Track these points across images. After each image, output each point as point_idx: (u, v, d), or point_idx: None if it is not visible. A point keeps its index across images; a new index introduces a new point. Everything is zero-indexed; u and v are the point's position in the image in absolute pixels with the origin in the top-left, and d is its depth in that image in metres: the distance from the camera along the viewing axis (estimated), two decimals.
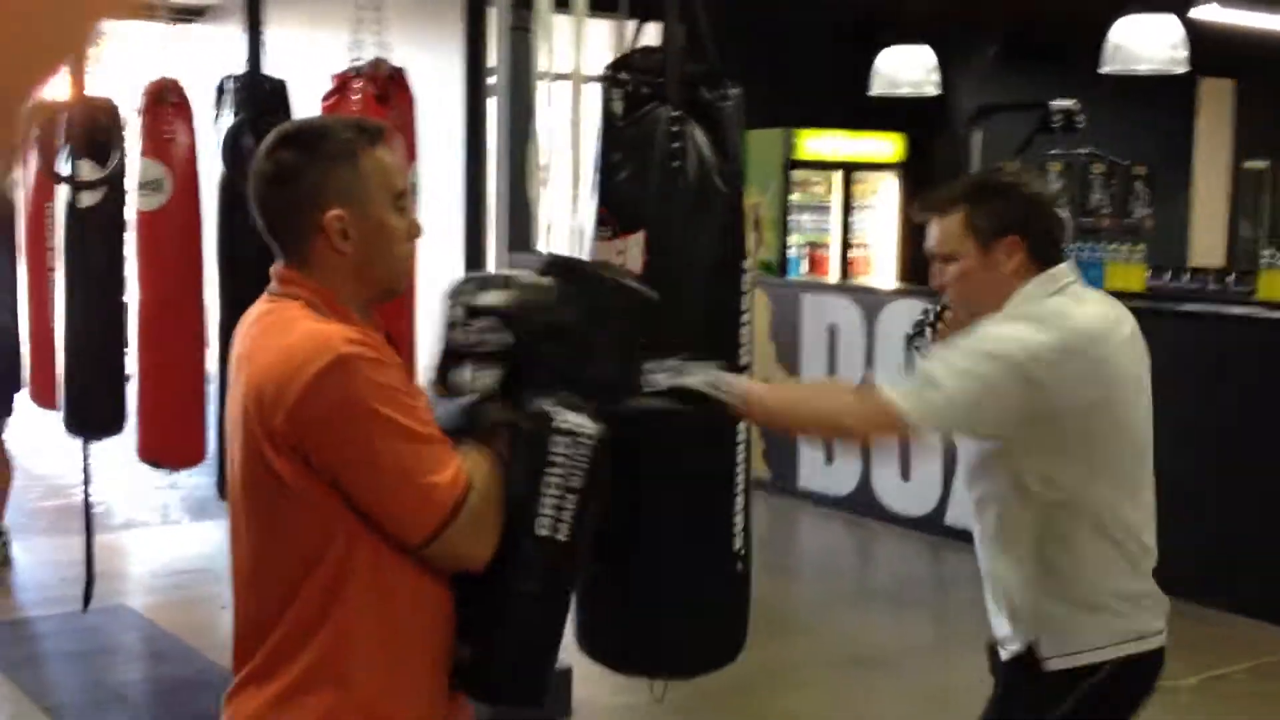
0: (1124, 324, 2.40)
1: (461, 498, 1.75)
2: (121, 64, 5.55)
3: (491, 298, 1.88)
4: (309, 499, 1.74)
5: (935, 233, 2.40)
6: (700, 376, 2.17)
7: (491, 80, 4.34)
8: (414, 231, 1.89)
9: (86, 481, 4.31)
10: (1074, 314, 2.31)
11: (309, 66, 4.43)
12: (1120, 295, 7.57)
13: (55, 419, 6.64)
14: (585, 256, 2.15)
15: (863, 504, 7.01)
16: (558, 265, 1.99)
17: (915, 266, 10.32)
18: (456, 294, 1.92)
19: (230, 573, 1.88)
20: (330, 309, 1.81)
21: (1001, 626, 2.44)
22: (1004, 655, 2.45)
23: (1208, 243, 11.94)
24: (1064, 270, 2.40)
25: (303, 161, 1.82)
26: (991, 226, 2.34)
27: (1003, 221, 2.34)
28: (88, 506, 4.39)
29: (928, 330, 2.59)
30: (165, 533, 6.65)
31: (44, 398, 6.61)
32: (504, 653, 1.86)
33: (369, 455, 1.73)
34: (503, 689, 1.91)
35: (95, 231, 4.98)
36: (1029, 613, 2.38)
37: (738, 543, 2.81)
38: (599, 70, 2.75)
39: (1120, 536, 2.39)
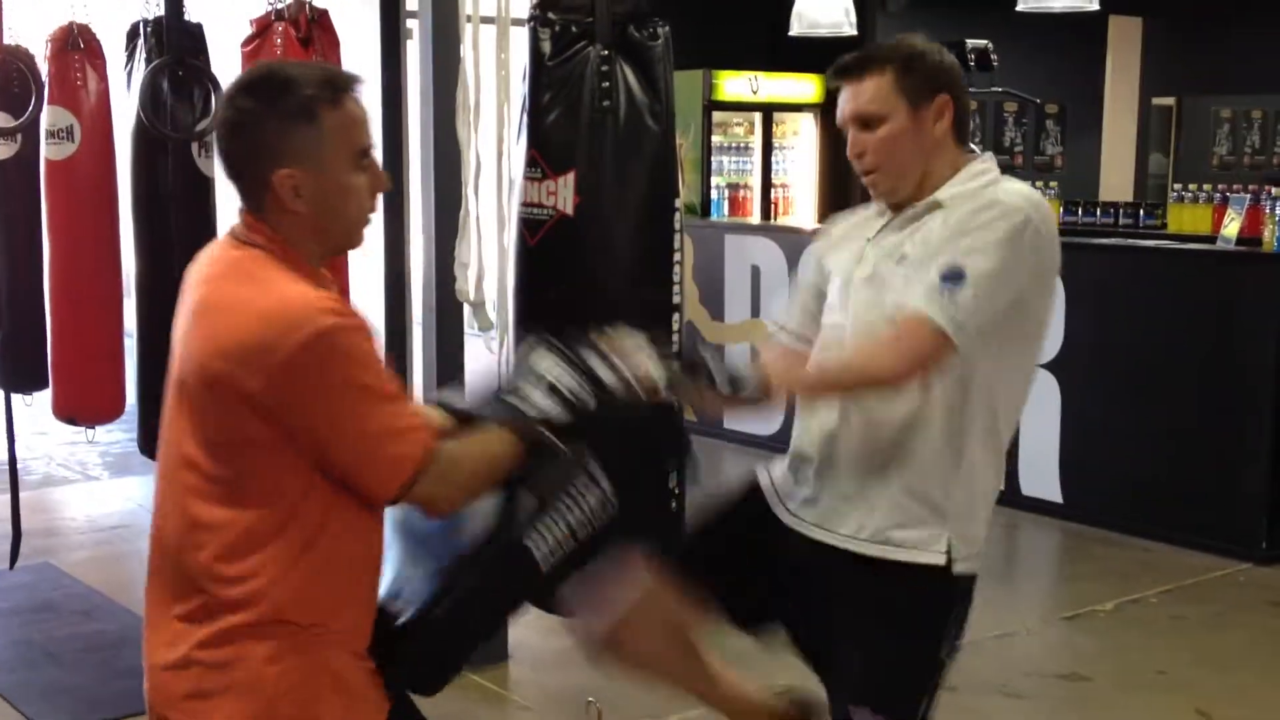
0: None
1: (429, 454, 1.78)
2: (33, 9, 5.39)
3: (608, 375, 1.89)
4: (270, 452, 1.76)
5: (861, 93, 2.22)
6: (723, 373, 2.11)
7: (412, 23, 4.29)
8: (377, 186, 1.87)
9: (11, 437, 4.23)
10: (1038, 200, 2.23)
11: (227, 8, 4.34)
12: None
13: None
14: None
15: (788, 442, 7.09)
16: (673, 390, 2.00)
17: (835, 205, 10.40)
18: (565, 345, 1.92)
19: (155, 509, 1.87)
20: (295, 265, 1.81)
21: (904, 530, 2.23)
22: (900, 557, 2.22)
23: (1117, 178, 12.16)
24: (990, 157, 2.31)
25: (259, 113, 1.79)
26: (924, 85, 2.22)
27: (935, 81, 2.24)
28: (13, 462, 4.31)
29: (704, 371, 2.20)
30: (86, 489, 6.56)
31: None
32: (425, 630, 1.89)
33: (347, 422, 1.75)
34: (404, 663, 1.92)
35: (12, 183, 4.85)
36: (950, 512, 2.22)
37: (672, 480, 2.85)
38: (525, 12, 2.73)
39: (1004, 440, 2.31)
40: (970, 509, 2.24)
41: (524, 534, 1.86)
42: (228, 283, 1.80)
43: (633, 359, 1.93)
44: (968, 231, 2.14)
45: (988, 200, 2.19)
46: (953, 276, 2.09)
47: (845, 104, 2.25)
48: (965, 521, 2.23)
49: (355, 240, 1.91)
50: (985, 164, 2.27)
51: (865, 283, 2.25)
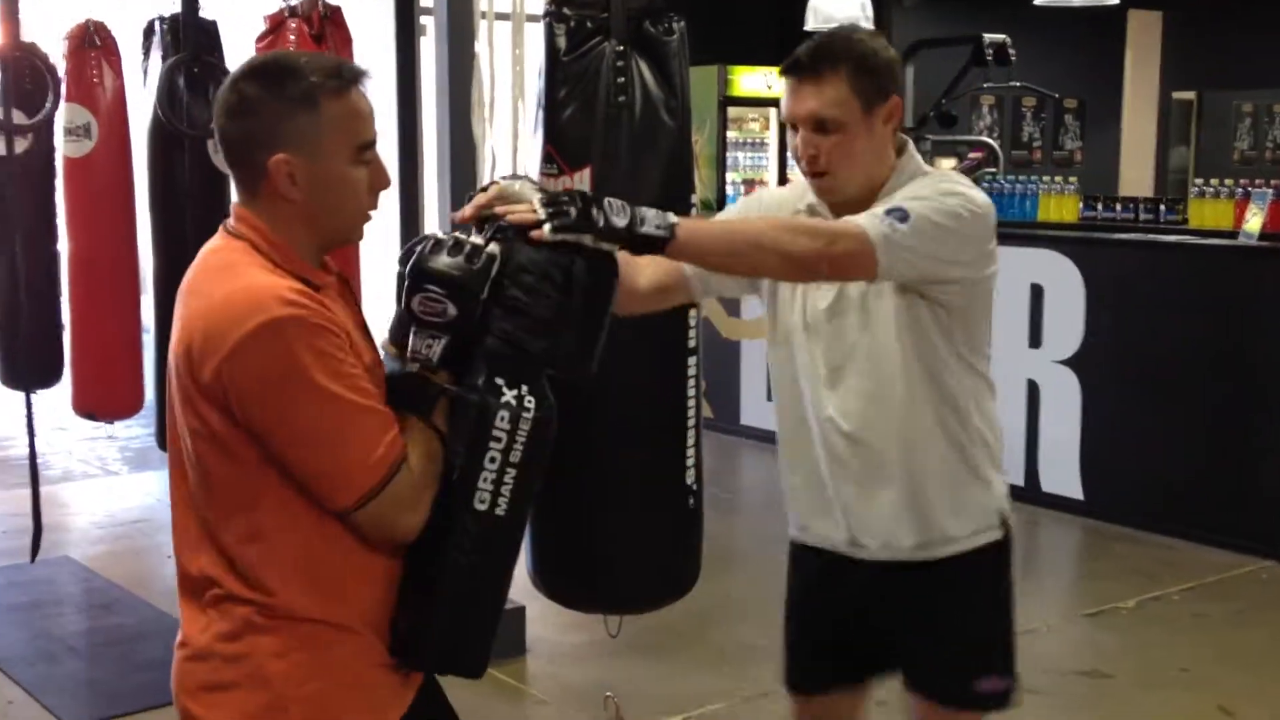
0: None
1: (393, 470, 1.72)
2: (50, 8, 5.41)
3: (440, 263, 1.79)
4: (236, 450, 1.72)
5: (819, 94, 2.18)
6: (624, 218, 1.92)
7: (426, 19, 4.29)
8: (378, 183, 1.82)
9: (31, 433, 4.24)
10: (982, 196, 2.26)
11: (242, 5, 4.34)
12: (1055, 226, 7.63)
13: None
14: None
15: None
16: (513, 227, 1.86)
17: None
18: (408, 256, 1.85)
19: (172, 514, 1.86)
20: (279, 255, 1.77)
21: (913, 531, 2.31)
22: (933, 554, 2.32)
23: (1137, 173, 12.10)
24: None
25: (261, 98, 1.76)
26: (876, 87, 2.20)
27: (885, 82, 2.22)
28: (33, 457, 4.32)
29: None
30: (105, 484, 6.59)
31: None
32: (440, 624, 1.83)
33: (293, 420, 1.69)
34: (438, 659, 1.89)
35: (25, 180, 4.87)
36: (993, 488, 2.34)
37: (690, 478, 2.83)
38: (539, 8, 2.72)
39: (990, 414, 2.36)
40: (996, 475, 2.35)
41: (468, 494, 1.78)
42: (204, 272, 1.78)
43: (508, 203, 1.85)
44: (913, 190, 2.18)
45: (933, 179, 2.23)
46: (897, 211, 2.10)
47: (798, 102, 2.22)
48: (1000, 488, 2.35)
49: (353, 235, 1.86)
50: (915, 160, 2.28)
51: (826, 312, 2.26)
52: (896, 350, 2.23)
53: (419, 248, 1.83)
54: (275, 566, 1.76)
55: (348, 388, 1.70)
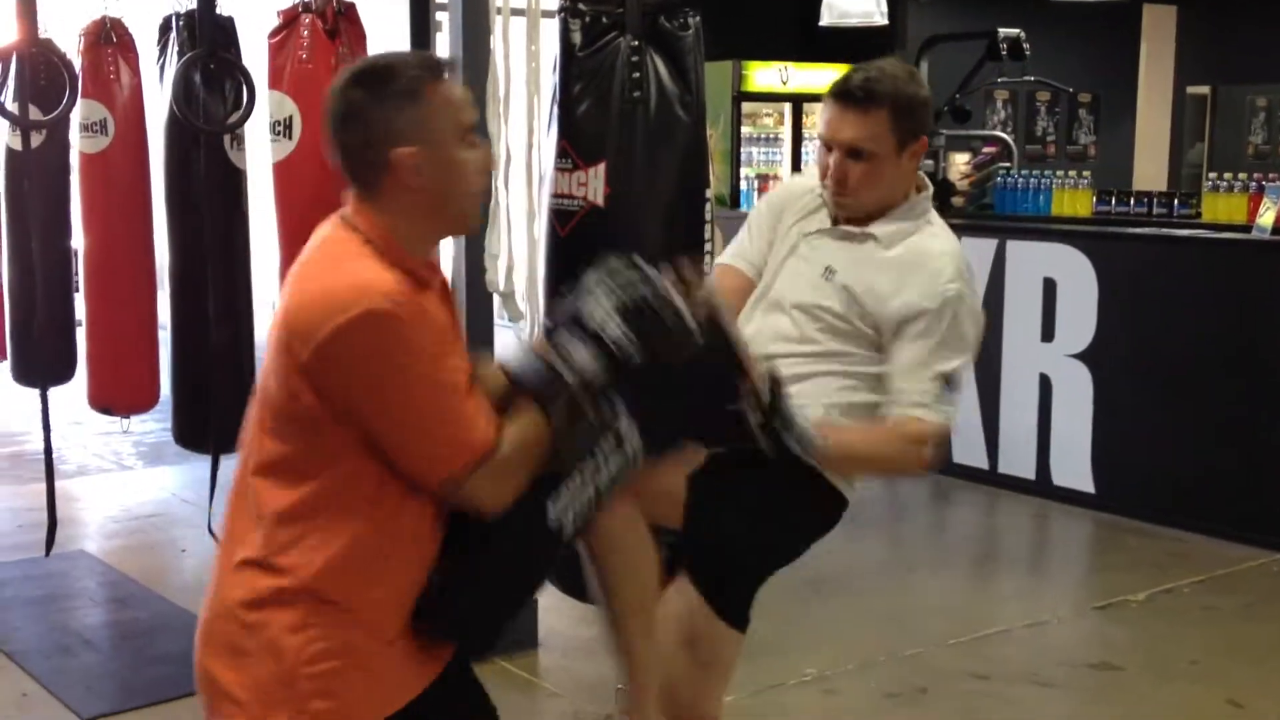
0: None
1: (483, 457, 1.81)
2: (66, 4, 5.43)
3: (668, 317, 1.89)
4: (322, 429, 1.80)
5: (860, 126, 2.40)
6: (799, 437, 2.26)
7: (441, 15, 4.30)
8: (487, 164, 1.93)
9: (46, 428, 4.26)
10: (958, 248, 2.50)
11: (257, 1, 4.36)
12: (1068, 220, 7.61)
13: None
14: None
15: None
16: (713, 319, 2.02)
17: None
18: (626, 279, 1.92)
19: (240, 463, 1.92)
20: (389, 249, 1.83)
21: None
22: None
23: (1151, 168, 12.06)
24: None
25: (372, 99, 1.83)
26: (911, 129, 2.42)
27: (919, 123, 2.44)
28: (49, 451, 4.34)
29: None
30: (120, 478, 6.61)
31: None
32: (465, 601, 1.90)
33: (388, 409, 1.78)
34: (453, 630, 1.95)
35: (41, 176, 4.90)
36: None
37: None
38: (555, 4, 2.73)
39: None
40: None
41: (548, 502, 1.87)
42: (315, 257, 1.87)
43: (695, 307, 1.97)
44: (941, 322, 2.38)
45: (941, 276, 2.40)
46: (952, 383, 2.39)
47: (839, 128, 2.41)
48: None
49: (471, 219, 1.95)
50: (925, 202, 2.50)
51: (792, 275, 2.49)
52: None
53: (653, 275, 1.92)
54: (318, 547, 1.82)
55: (444, 375, 1.80)
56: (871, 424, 2.43)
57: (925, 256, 2.42)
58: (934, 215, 2.52)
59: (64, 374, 5.44)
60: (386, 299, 1.76)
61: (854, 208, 2.47)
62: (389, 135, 1.83)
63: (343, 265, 1.81)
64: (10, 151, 5.66)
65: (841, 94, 2.42)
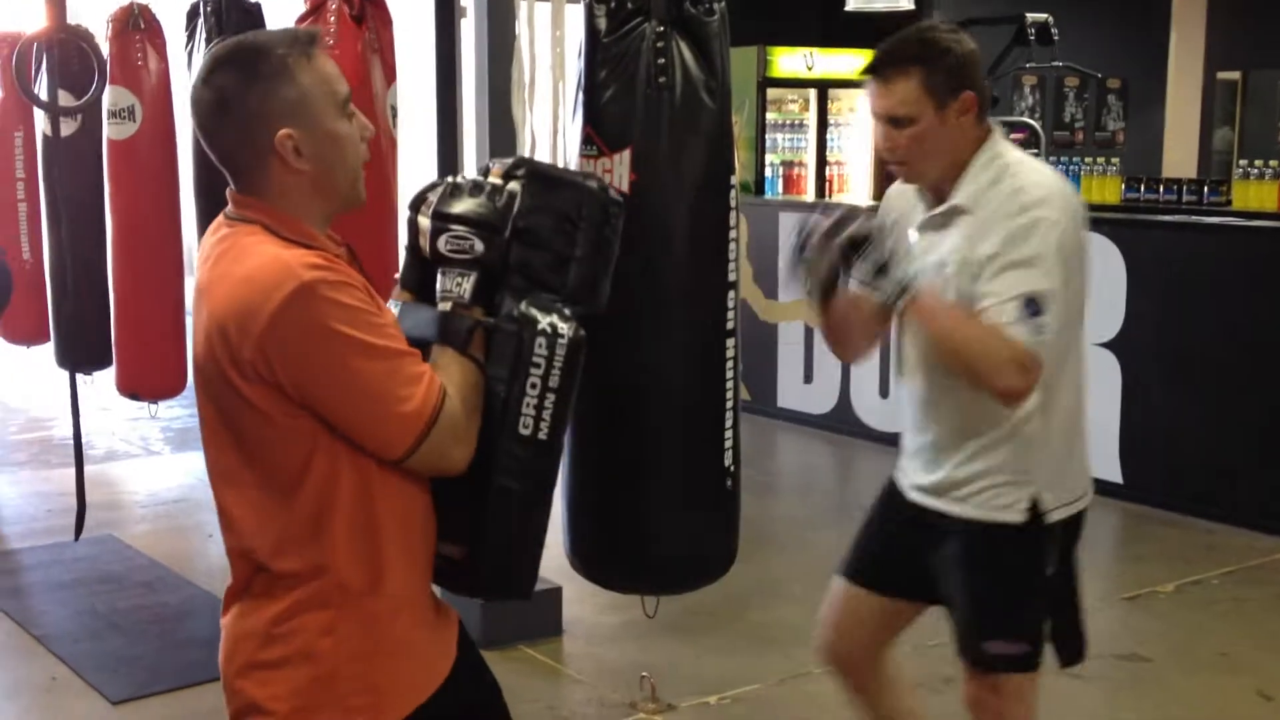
0: None
1: (437, 408, 1.76)
2: None
3: (462, 205, 1.88)
4: (284, 425, 1.75)
5: (890, 94, 2.39)
6: (898, 271, 2.31)
7: (467, 2, 4.29)
8: (364, 133, 1.87)
9: (75, 413, 4.30)
10: (1056, 180, 2.43)
11: None
12: (1097, 207, 7.60)
13: (28, 353, 6.63)
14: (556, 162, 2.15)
15: (841, 422, 7.07)
16: (524, 169, 1.96)
17: (890, 182, 10.31)
18: (424, 201, 1.92)
19: (216, 503, 1.89)
20: (290, 230, 1.79)
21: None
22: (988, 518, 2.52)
23: (1180, 154, 11.95)
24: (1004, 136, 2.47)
25: (241, 85, 1.78)
26: (948, 85, 2.37)
27: (958, 79, 2.38)
28: (78, 437, 4.38)
29: (815, 241, 2.50)
30: (148, 464, 6.66)
31: (17, 333, 6.57)
32: (490, 550, 1.90)
33: (341, 378, 1.73)
34: (490, 585, 1.96)
35: (74, 161, 4.92)
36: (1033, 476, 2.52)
37: (728, 459, 2.84)
38: None
39: (1070, 409, 2.59)
40: (1052, 467, 2.51)
41: (512, 421, 1.85)
42: (219, 263, 1.80)
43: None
44: (1018, 246, 2.32)
45: (1019, 206, 2.35)
46: (1030, 306, 2.29)
47: (875, 100, 2.43)
48: (1050, 479, 2.51)
49: (359, 192, 1.89)
50: (996, 148, 2.43)
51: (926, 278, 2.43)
52: None
53: (433, 192, 1.92)
54: (326, 541, 1.79)
55: (380, 336, 1.75)
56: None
57: (1008, 196, 2.37)
58: (1012, 154, 2.45)
59: (103, 359, 5.47)
60: (310, 269, 1.71)
61: (917, 177, 2.47)
62: (265, 119, 1.77)
63: (254, 253, 1.76)
64: (45, 138, 5.70)
65: (869, 67, 2.42)
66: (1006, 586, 2.54)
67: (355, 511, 1.79)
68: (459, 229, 1.87)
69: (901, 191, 2.61)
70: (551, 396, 1.85)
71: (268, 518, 1.80)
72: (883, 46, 2.42)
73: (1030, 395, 2.35)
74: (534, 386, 1.84)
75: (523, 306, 1.86)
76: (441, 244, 1.87)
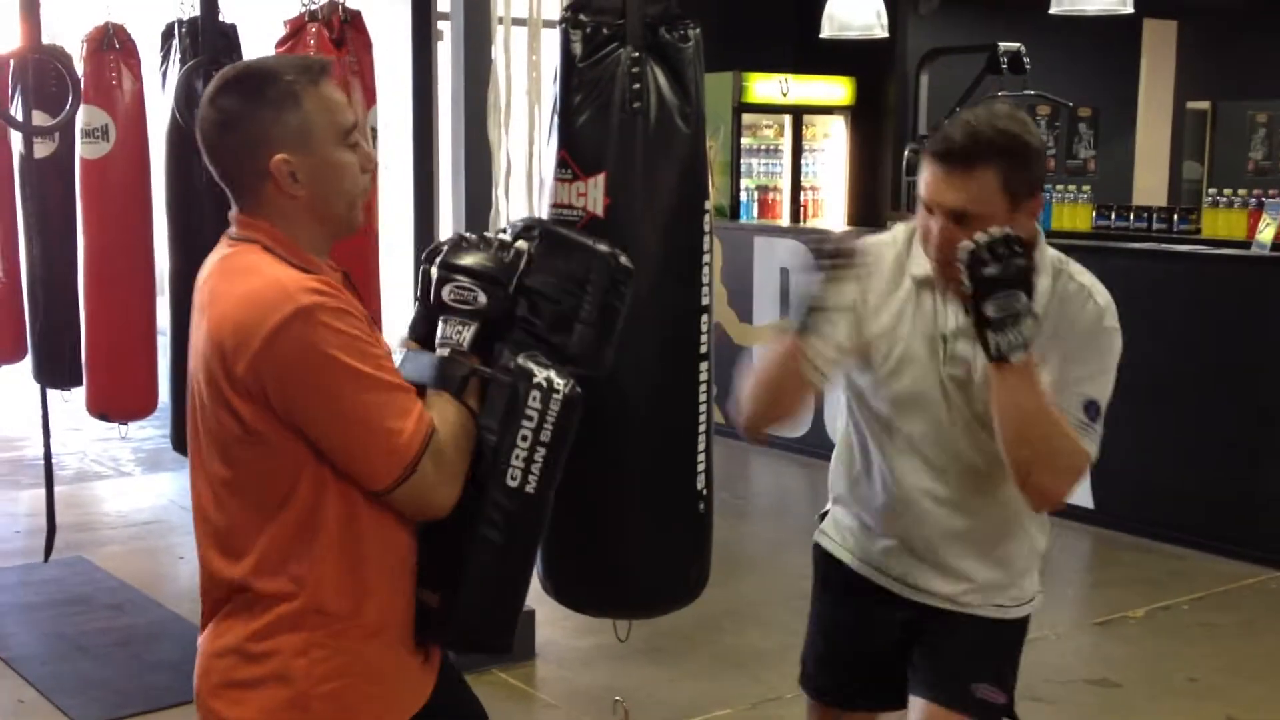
0: None
1: (425, 444, 1.77)
2: (69, 9, 5.45)
3: (470, 259, 1.91)
4: (274, 444, 1.75)
5: (967, 189, 2.15)
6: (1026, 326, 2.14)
7: (443, 25, 4.31)
8: (366, 164, 1.89)
9: (46, 433, 4.27)
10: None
11: (260, 9, 4.37)
12: (1068, 235, 7.64)
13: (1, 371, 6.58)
14: (556, 220, 2.17)
15: (815, 445, 7.07)
16: (538, 229, 2.01)
17: (865, 208, 10.37)
18: (435, 253, 1.95)
19: (195, 521, 1.89)
20: (290, 253, 1.81)
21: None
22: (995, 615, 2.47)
23: (1150, 182, 12.06)
24: None
25: (246, 107, 1.80)
26: (1026, 185, 2.18)
27: (1037, 177, 2.21)
28: (48, 457, 4.35)
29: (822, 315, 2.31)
30: (119, 485, 6.62)
31: None
32: (469, 600, 1.89)
33: (332, 405, 1.74)
34: (467, 636, 1.95)
35: (51, 181, 4.90)
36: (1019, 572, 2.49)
37: (700, 483, 2.84)
38: (556, 14, 2.73)
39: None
40: (1030, 566, 2.49)
41: (500, 472, 1.85)
42: (220, 280, 1.82)
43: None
44: (1090, 353, 2.33)
45: (1095, 315, 2.33)
46: (1093, 408, 2.29)
47: (944, 192, 2.18)
48: (1029, 577, 2.49)
49: (355, 220, 1.90)
50: (1044, 254, 2.30)
51: (960, 385, 2.32)
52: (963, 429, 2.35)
53: (446, 244, 1.96)
54: (308, 563, 1.79)
55: (375, 367, 1.77)
56: None
57: (1075, 297, 2.30)
58: (1063, 259, 2.33)
59: (76, 378, 5.44)
60: (310, 294, 1.73)
61: (955, 274, 2.14)
62: (266, 143, 1.79)
63: (254, 273, 1.77)
64: (22, 157, 5.68)
65: (943, 154, 2.17)
66: (1003, 642, 2.52)
67: (340, 537, 1.80)
68: (463, 279, 1.91)
69: (885, 254, 2.38)
70: (542, 450, 1.87)
71: (251, 535, 1.80)
72: (958, 132, 2.17)
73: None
74: (524, 439, 1.86)
75: (520, 360, 1.89)
76: (445, 293, 1.91)
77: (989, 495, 2.37)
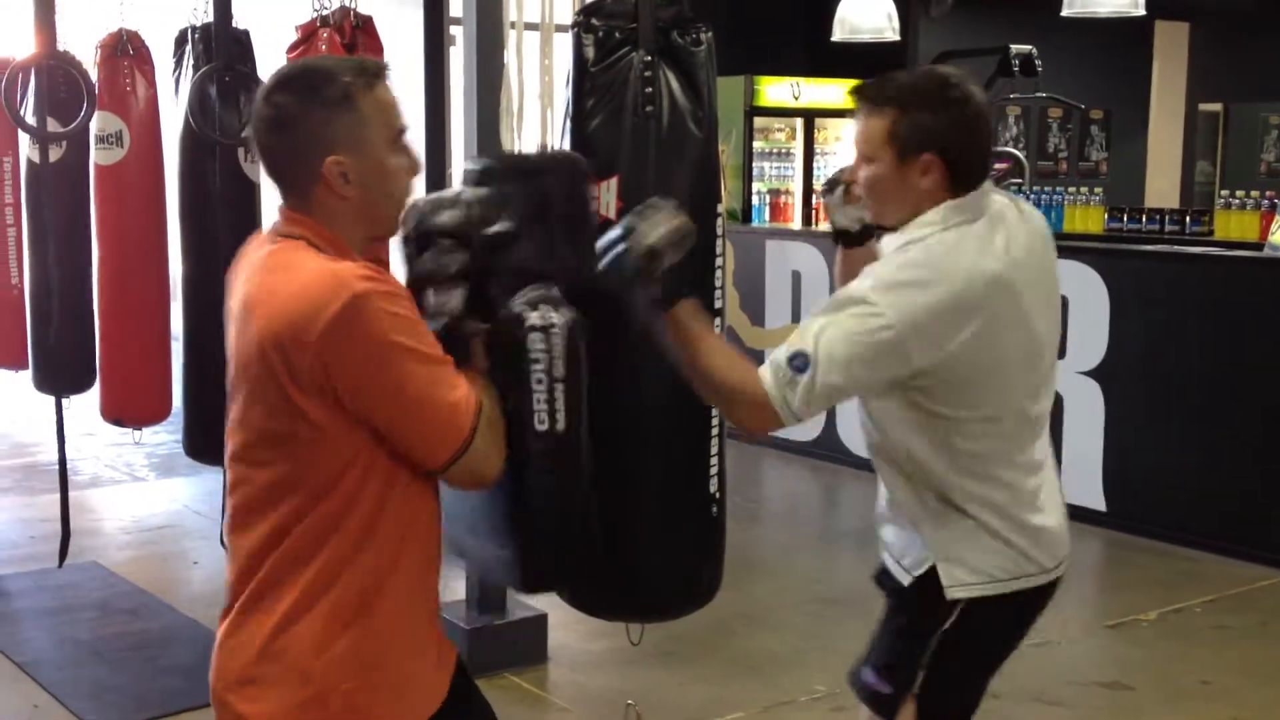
0: (1014, 248, 2.27)
1: (477, 415, 1.81)
2: (83, 16, 5.47)
3: (441, 219, 1.93)
4: (333, 434, 1.78)
5: (859, 128, 2.27)
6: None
7: (456, 30, 4.32)
8: (414, 168, 1.91)
9: (61, 439, 4.28)
10: (958, 262, 2.20)
11: (272, 15, 4.39)
12: (1080, 237, 7.63)
13: (13, 377, 6.61)
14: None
15: (827, 449, 7.08)
16: (490, 169, 2.04)
17: None
18: (408, 222, 1.97)
19: (229, 514, 1.91)
20: (336, 249, 1.84)
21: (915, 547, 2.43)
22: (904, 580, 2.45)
23: (1163, 184, 12.05)
24: (968, 203, 2.25)
25: (301, 107, 1.82)
26: (913, 140, 2.20)
27: (925, 137, 2.20)
28: (63, 463, 4.37)
29: (839, 189, 2.51)
30: (132, 489, 6.63)
31: (2, 356, 6.56)
32: (542, 544, 1.96)
33: (396, 385, 1.76)
34: (549, 576, 2.04)
35: (59, 187, 4.92)
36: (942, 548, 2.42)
37: (713, 486, 2.85)
38: (568, 19, 2.74)
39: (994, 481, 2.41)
40: (964, 544, 2.35)
41: (527, 419, 1.89)
42: (268, 275, 1.83)
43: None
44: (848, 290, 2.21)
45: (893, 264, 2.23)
46: (798, 359, 2.16)
47: (855, 131, 2.31)
48: (959, 555, 2.35)
49: (396, 223, 1.94)
50: (938, 214, 2.23)
51: None
52: (899, 443, 2.34)
53: (411, 214, 1.96)
54: (331, 560, 1.80)
55: (429, 345, 1.80)
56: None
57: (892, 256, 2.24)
58: (951, 233, 2.21)
59: (82, 384, 5.46)
60: (364, 281, 1.75)
61: (876, 216, 2.35)
62: (320, 143, 1.81)
63: (303, 267, 1.79)
64: (30, 163, 5.70)
65: (853, 92, 2.29)
66: (920, 638, 2.45)
67: (361, 537, 1.81)
68: (442, 242, 1.91)
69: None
70: (560, 387, 1.90)
71: (285, 527, 1.81)
72: (876, 77, 2.28)
73: (772, 419, 2.19)
74: (539, 382, 1.89)
75: (511, 307, 1.91)
76: (429, 259, 1.92)
77: (890, 466, 2.41)
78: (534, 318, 1.89)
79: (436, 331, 1.88)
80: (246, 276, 1.87)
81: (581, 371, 1.92)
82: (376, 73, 1.87)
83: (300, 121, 1.82)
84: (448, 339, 1.87)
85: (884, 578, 2.52)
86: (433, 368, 1.79)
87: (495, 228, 1.94)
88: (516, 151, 2.14)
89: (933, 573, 2.36)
